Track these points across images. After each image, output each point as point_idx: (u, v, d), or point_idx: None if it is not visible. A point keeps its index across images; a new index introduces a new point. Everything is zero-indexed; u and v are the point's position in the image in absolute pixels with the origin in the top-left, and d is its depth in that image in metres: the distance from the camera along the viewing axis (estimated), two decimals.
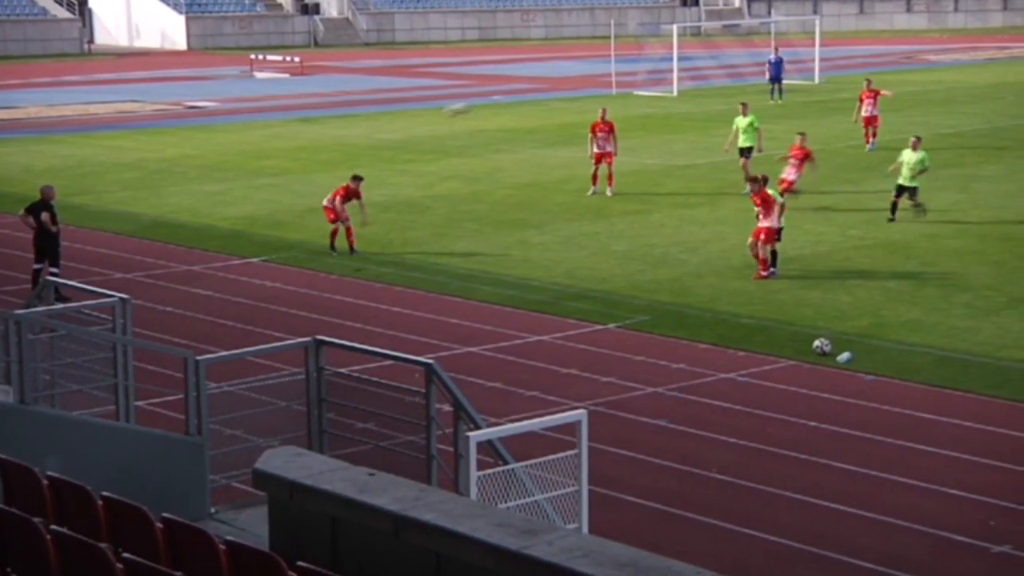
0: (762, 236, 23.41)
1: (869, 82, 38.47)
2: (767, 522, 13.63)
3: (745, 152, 32.30)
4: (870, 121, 37.81)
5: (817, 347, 19.17)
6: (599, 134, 31.81)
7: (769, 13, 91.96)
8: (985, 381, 17.86)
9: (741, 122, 32.64)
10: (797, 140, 29.32)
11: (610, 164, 31.66)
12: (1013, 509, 13.78)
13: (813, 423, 16.51)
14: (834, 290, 22.74)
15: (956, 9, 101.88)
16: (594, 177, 31.78)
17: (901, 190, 27.37)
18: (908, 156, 27.43)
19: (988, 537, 13.11)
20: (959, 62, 70.52)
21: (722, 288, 23.01)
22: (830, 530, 13.44)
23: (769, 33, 66.26)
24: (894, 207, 27.39)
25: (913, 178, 27.25)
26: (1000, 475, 14.70)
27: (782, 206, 23.82)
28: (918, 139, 27.89)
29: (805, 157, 28.74)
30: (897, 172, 27.56)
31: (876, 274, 23.77)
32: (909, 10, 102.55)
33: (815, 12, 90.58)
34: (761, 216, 23.53)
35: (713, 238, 26.93)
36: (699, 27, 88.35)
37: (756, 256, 23.59)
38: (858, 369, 18.53)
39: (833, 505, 14.03)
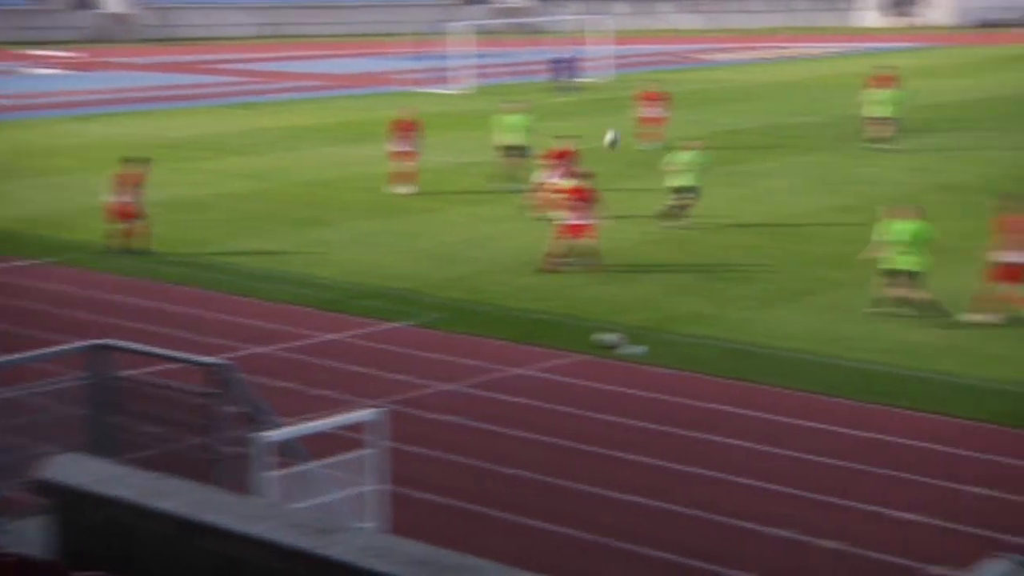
0: (576, 232, 23.75)
1: (650, 87, 39.20)
2: (561, 515, 13.79)
3: (514, 151, 32.51)
4: (650, 121, 38.49)
5: (608, 341, 19.48)
6: (401, 132, 31.90)
7: (556, 12, 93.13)
8: (768, 371, 18.40)
9: (510, 121, 32.83)
10: (556, 144, 28.64)
11: (410, 162, 31.75)
12: (797, 495, 14.22)
13: (605, 416, 16.76)
14: (624, 284, 23.15)
15: (731, 10, 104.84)
16: (397, 175, 31.78)
17: (679, 190, 27.76)
18: (684, 156, 27.96)
19: (774, 523, 13.50)
20: (737, 61, 72.55)
21: (514, 284, 23.21)
22: (626, 522, 13.67)
23: (556, 32, 67.12)
24: (673, 207, 27.83)
25: (687, 178, 27.63)
26: (786, 462, 15.16)
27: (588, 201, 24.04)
28: (693, 142, 28.53)
29: (563, 157, 27.89)
30: (673, 172, 27.99)
31: (664, 268, 24.28)
32: (689, 10, 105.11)
33: (600, 11, 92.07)
34: (573, 212, 23.78)
35: (504, 235, 27.13)
36: (485, 25, 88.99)
37: (559, 253, 23.86)
38: (648, 362, 18.89)
39: (628, 497, 14.27)
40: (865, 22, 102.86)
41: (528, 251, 25.50)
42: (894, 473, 14.68)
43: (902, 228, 20.97)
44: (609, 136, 20.84)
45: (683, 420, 16.57)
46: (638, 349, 19.22)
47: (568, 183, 25.00)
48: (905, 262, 20.65)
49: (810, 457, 15.24)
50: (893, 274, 20.83)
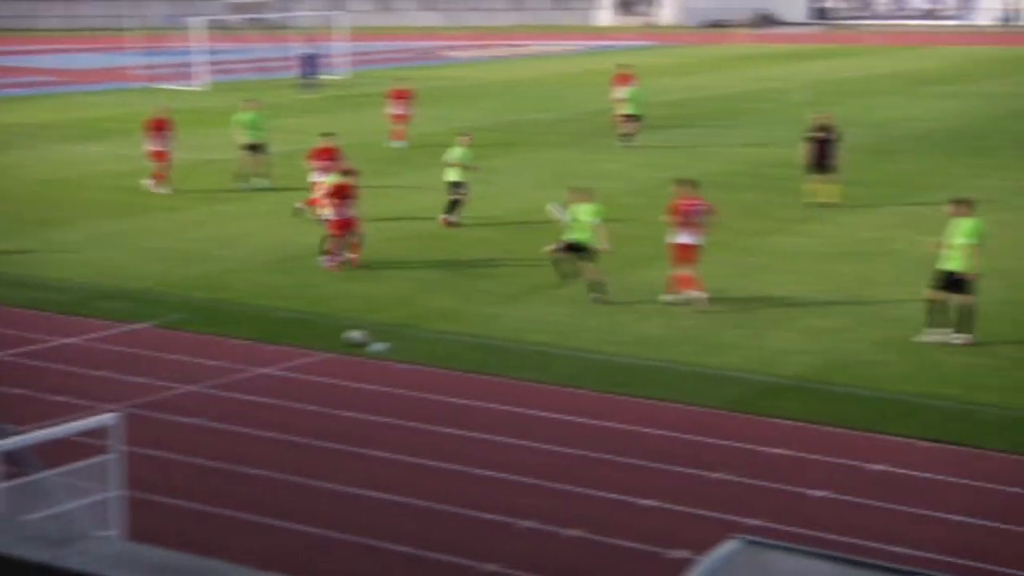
0: (339, 226, 23.86)
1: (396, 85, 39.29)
2: (308, 514, 13.70)
3: (254, 149, 32.20)
4: (399, 119, 38.52)
5: (353, 338, 19.43)
6: (155, 130, 31.26)
7: (294, 8, 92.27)
8: (512, 364, 18.66)
9: (245, 119, 32.47)
10: (322, 142, 28.40)
11: (164, 161, 31.10)
12: (537, 485, 14.47)
13: (350, 413, 16.72)
14: (369, 281, 23.13)
15: (469, 8, 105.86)
16: (155, 174, 31.22)
17: (453, 184, 27.88)
18: (457, 153, 28.16)
19: (515, 514, 13.71)
20: (476, 59, 73.29)
21: (258, 283, 22.93)
22: (371, 519, 13.66)
23: (295, 27, 66.51)
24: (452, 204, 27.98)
25: (457, 173, 27.82)
26: (525, 453, 15.40)
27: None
28: (465, 135, 28.76)
29: (326, 155, 27.67)
30: (454, 168, 28.11)
31: (409, 265, 24.35)
32: (426, 8, 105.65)
33: (338, 8, 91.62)
34: (336, 206, 23.85)
35: (247, 233, 26.77)
36: (224, 20, 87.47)
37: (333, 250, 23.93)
38: (393, 358, 18.92)
39: (372, 493, 14.27)
40: (599, 21, 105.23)
41: (274, 249, 25.26)
42: (637, 461, 15.07)
43: (584, 209, 21.99)
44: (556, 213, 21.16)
45: (427, 415, 16.65)
46: (383, 346, 19.23)
47: (332, 179, 24.88)
48: (581, 238, 21.79)
49: (553, 448, 15.52)
50: (571, 248, 21.95)
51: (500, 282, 23.09)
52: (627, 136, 38.43)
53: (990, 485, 14.22)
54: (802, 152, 29.47)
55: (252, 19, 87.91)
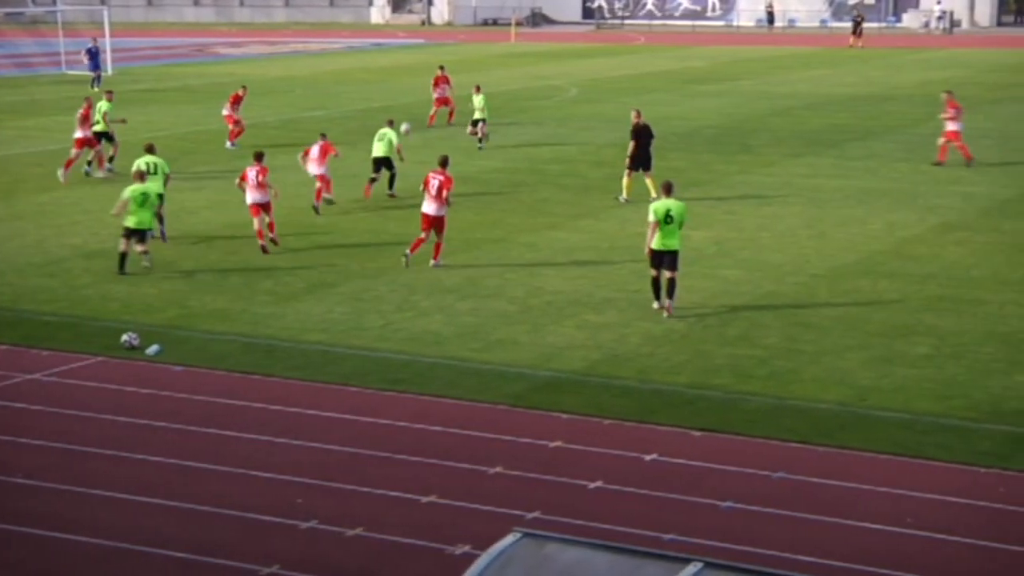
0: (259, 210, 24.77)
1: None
2: (80, 523, 13.33)
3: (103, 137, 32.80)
4: (232, 121, 37.81)
5: (125, 341, 18.99)
6: None
7: (55, 2, 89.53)
8: (288, 364, 18.49)
9: (103, 107, 32.80)
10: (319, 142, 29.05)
11: None
12: (317, 485, 14.37)
13: (124, 418, 16.33)
14: (140, 283, 22.61)
15: (242, 4, 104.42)
16: None
17: (380, 164, 29.55)
18: (387, 136, 29.51)
19: (295, 515, 13.59)
20: (249, 55, 72.32)
21: (23, 286, 22.21)
22: (142, 524, 13.36)
23: (56, 22, 64.45)
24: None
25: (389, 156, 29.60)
26: (304, 453, 15.28)
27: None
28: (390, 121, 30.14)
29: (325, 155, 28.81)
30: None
31: (181, 265, 23.89)
32: (197, 3, 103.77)
33: (102, 3, 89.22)
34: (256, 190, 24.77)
35: (10, 235, 25.91)
36: None
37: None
38: (167, 361, 18.55)
39: (143, 498, 13.96)
40: (372, 19, 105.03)
41: (37, 251, 24.48)
42: (417, 458, 15.10)
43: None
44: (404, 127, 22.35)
45: (203, 417, 16.38)
46: (152, 348, 18.83)
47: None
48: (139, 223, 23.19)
49: (333, 447, 15.43)
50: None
51: (276, 281, 22.85)
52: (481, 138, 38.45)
53: (760, 472, 14.70)
54: (627, 150, 29.60)
55: (9, 14, 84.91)
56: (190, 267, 23.76)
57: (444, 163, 23.80)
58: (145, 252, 23.36)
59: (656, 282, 20.78)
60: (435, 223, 23.44)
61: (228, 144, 37.54)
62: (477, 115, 38.62)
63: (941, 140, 34.61)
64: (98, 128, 32.61)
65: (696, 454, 15.20)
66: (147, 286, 22.41)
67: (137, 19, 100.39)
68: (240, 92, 38.33)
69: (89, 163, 32.61)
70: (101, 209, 28.06)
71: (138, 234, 23.23)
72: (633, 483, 14.38)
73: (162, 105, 46.20)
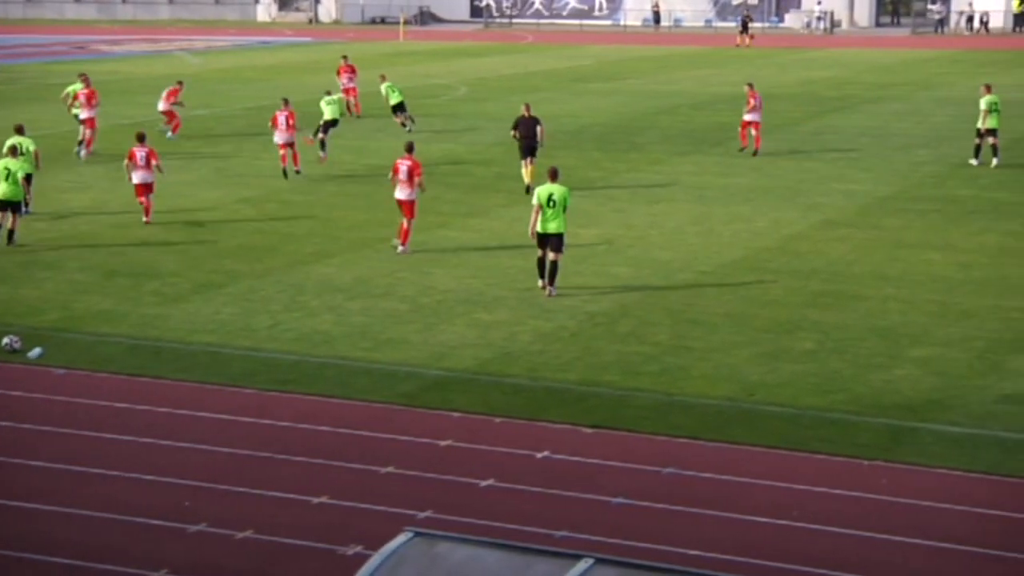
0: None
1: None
2: None
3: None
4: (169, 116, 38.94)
5: (6, 344, 18.63)
6: None
7: None
8: (175, 365, 18.27)
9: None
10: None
11: None
12: (206, 488, 14.23)
13: (5, 423, 16.01)
14: (21, 284, 22.20)
15: (124, 1, 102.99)
16: None
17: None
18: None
19: (184, 518, 13.44)
20: (132, 53, 71.29)
21: None
22: (25, 529, 13.13)
23: None
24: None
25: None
26: (192, 456, 15.11)
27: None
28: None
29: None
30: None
31: (64, 266, 23.50)
32: (78, 0, 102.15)
33: None
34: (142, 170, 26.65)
35: None
36: None
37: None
38: (50, 363, 18.23)
39: (26, 504, 13.71)
40: (259, 16, 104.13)
41: None
42: (307, 459, 15.01)
43: None
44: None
45: (88, 420, 16.13)
46: (35, 351, 18.49)
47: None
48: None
49: (221, 449, 15.29)
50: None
51: (165, 281, 22.56)
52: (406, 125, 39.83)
53: (647, 467, 14.84)
54: (515, 141, 30.81)
55: None
56: (74, 268, 23.37)
57: (410, 149, 24.85)
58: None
59: (541, 262, 21.69)
60: (406, 207, 24.33)
61: (169, 135, 38.37)
62: (394, 100, 39.58)
63: (740, 129, 36.99)
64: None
65: (587, 451, 15.30)
66: (30, 288, 22.00)
67: (15, 15, 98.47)
68: (176, 87, 39.19)
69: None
70: None
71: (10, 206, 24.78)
72: (525, 481, 14.44)
73: (42, 103, 45.37)
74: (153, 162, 26.83)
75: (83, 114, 35.66)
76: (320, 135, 34.21)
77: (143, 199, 26.90)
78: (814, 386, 17.45)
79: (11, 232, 24.88)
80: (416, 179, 24.28)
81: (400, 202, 24.47)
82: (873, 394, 17.16)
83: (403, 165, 24.32)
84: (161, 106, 39.07)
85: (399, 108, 40.26)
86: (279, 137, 32.07)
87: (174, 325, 20.09)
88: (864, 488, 14.29)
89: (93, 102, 35.80)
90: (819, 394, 17.15)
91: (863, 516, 13.61)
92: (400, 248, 24.35)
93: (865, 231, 26.75)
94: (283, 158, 31.94)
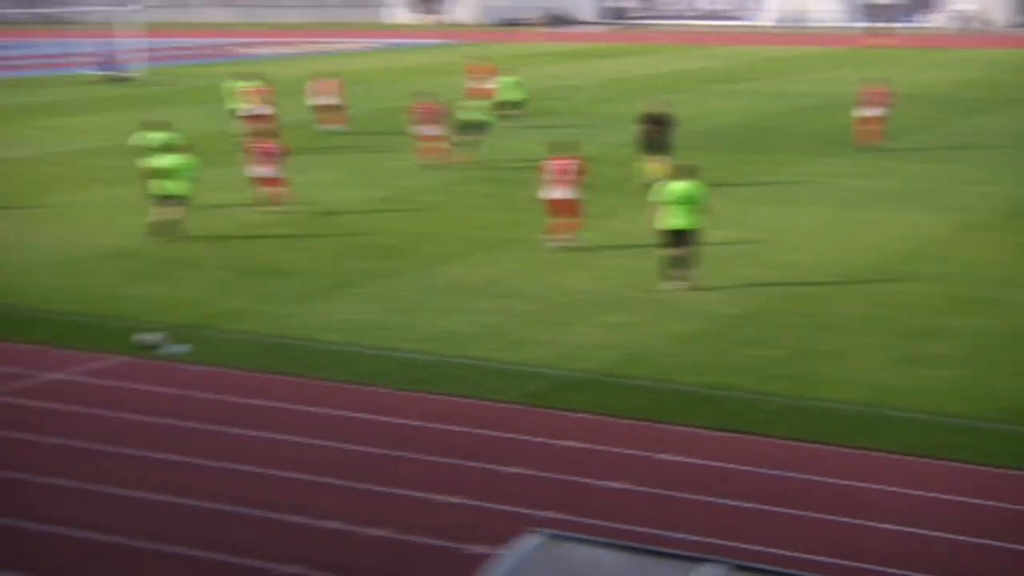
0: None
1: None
2: (100, 522, 13.41)
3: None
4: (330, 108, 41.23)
5: (146, 341, 19.09)
6: None
7: (80, 3, 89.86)
8: (308, 363, 18.49)
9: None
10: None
11: None
12: (338, 485, 14.44)
13: (145, 417, 16.40)
14: (161, 283, 22.75)
15: (267, 5, 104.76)
16: None
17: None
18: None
19: (316, 514, 13.65)
20: (273, 56, 72.47)
21: (47, 286, 22.40)
22: (158, 522, 13.45)
23: (82, 23, 64.79)
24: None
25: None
26: (325, 453, 15.36)
27: None
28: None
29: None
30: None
31: (202, 265, 24.02)
32: (222, 4, 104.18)
33: (131, 3, 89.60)
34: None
35: (31, 235, 26.06)
36: (6, 14, 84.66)
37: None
38: (188, 360, 18.64)
39: (169, 498, 14.04)
40: (394, 19, 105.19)
41: (60, 251, 24.64)
42: (435, 458, 15.17)
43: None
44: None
45: (224, 417, 16.48)
46: (180, 348, 18.94)
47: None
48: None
49: (352, 447, 15.52)
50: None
51: (297, 281, 22.96)
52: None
53: (772, 472, 14.74)
54: (638, 137, 31.79)
55: (35, 14, 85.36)
56: (212, 266, 23.88)
57: (564, 148, 25.36)
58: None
59: (669, 260, 21.94)
60: (565, 206, 24.81)
61: (327, 128, 40.74)
62: (512, 96, 40.66)
63: (863, 125, 37.20)
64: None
65: (711, 454, 15.24)
66: (168, 285, 22.54)
67: (162, 19, 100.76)
68: (331, 82, 41.40)
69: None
70: (126, 210, 28.25)
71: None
72: (648, 483, 14.43)
73: (184, 105, 46.39)
74: (276, 155, 28.20)
75: (256, 111, 37.58)
76: (474, 136, 34.97)
77: (268, 190, 28.17)
78: (951, 392, 17.16)
79: (170, 224, 25.67)
80: (578, 176, 24.79)
81: (555, 202, 24.84)
82: (1015, 401, 16.81)
83: (560, 164, 24.86)
84: (317, 100, 41.06)
85: (514, 105, 41.22)
86: (423, 131, 33.67)
87: (307, 323, 20.43)
88: (999, 498, 14.02)
89: (267, 99, 38.21)
90: (957, 400, 16.86)
91: (999, 527, 13.36)
92: (563, 241, 24.71)
93: (1003, 234, 26.21)
94: (426, 151, 33.50)
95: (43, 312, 20.84)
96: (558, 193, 24.81)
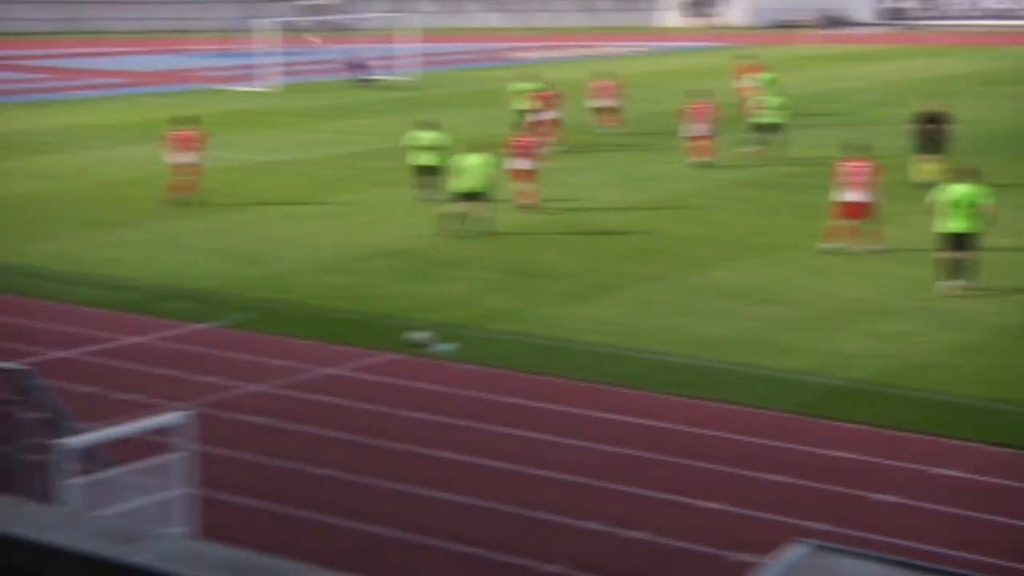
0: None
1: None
2: (372, 514, 13.77)
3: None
4: (606, 111, 41.97)
5: (416, 339, 19.49)
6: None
7: (363, 10, 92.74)
8: (571, 365, 18.59)
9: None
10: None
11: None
12: (599, 486, 14.44)
13: (413, 414, 16.78)
14: (431, 282, 23.20)
15: (538, 9, 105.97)
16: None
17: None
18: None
19: (576, 514, 13.69)
20: (542, 60, 73.22)
21: (322, 284, 23.08)
22: (435, 518, 13.71)
23: (362, 29, 66.86)
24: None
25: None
26: (587, 454, 15.37)
27: None
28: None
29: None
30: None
31: (470, 265, 24.40)
32: (495, 9, 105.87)
33: (406, 10, 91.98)
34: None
35: (311, 234, 26.95)
36: (291, 22, 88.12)
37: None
38: (455, 359, 18.95)
39: (431, 493, 14.31)
40: (666, 22, 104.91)
41: (334, 250, 25.41)
42: (698, 463, 15.03)
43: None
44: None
45: (488, 415, 16.69)
46: (447, 346, 19.28)
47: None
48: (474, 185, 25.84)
49: (614, 449, 15.50)
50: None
51: (562, 282, 23.09)
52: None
53: None
54: (911, 136, 31.73)
55: (319, 21, 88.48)
56: (481, 266, 24.24)
57: (860, 148, 25.30)
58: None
59: (947, 264, 21.37)
60: (859, 209, 24.48)
61: (610, 127, 41.37)
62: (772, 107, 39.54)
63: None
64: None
65: (989, 470, 14.62)
66: (439, 285, 22.99)
67: (438, 24, 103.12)
68: (610, 83, 42.13)
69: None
70: (399, 210, 28.97)
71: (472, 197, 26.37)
72: (921, 497, 13.95)
73: (459, 108, 47.33)
74: (534, 151, 28.77)
75: (543, 115, 38.32)
76: (767, 137, 35.27)
77: (524, 185, 28.62)
78: None
79: (462, 217, 26.35)
80: (874, 180, 24.50)
81: (849, 204, 24.49)
82: None
83: (855, 167, 24.61)
84: (596, 103, 41.71)
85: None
86: (694, 130, 34.19)
87: (572, 325, 20.52)
88: None
89: (552, 103, 38.98)
90: None
91: None
92: (867, 248, 24.32)
93: None
94: (696, 151, 33.82)
95: (316, 309, 21.53)
96: (853, 196, 24.49)
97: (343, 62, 55.52)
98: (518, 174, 28.71)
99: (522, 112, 39.39)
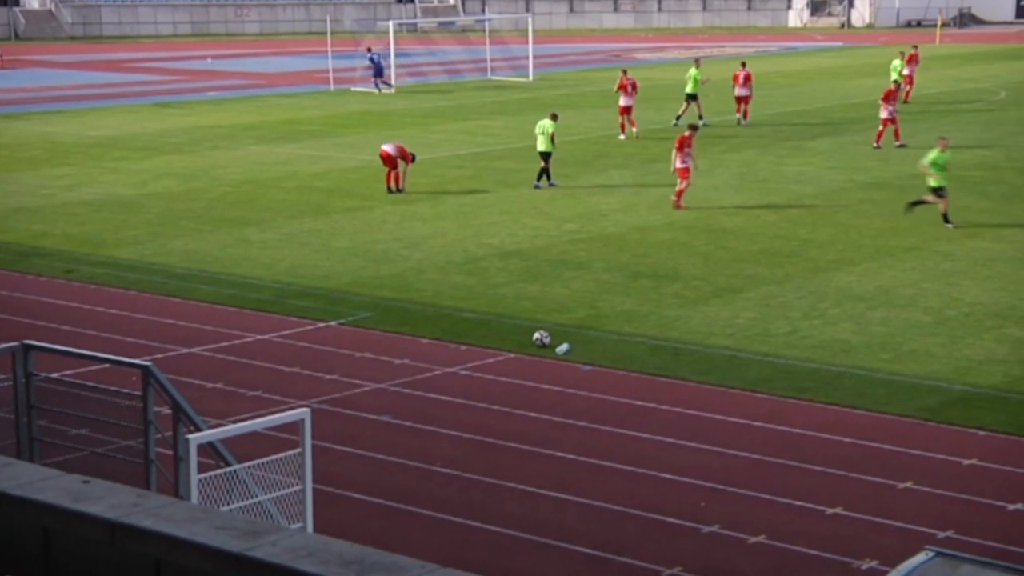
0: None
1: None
2: (490, 513, 13.81)
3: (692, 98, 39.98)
4: (741, 100, 43.58)
5: (536, 339, 19.50)
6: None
7: (483, 11, 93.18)
8: (694, 367, 18.50)
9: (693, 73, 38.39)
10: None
11: None
12: (721, 490, 14.32)
13: (533, 414, 16.79)
14: (552, 283, 23.19)
15: (660, 9, 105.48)
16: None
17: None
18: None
19: (698, 518, 13.59)
20: (665, 60, 72.92)
21: (444, 283, 23.19)
22: (549, 518, 13.70)
23: (484, 31, 67.17)
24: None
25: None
26: (709, 458, 15.27)
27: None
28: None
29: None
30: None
31: (592, 266, 24.35)
32: (616, 10, 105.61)
33: (527, 10, 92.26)
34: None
35: (434, 234, 27.10)
36: (415, 24, 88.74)
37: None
38: (576, 360, 18.93)
39: (552, 493, 14.31)
40: (790, 22, 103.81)
41: (458, 250, 25.51)
42: (823, 468, 14.82)
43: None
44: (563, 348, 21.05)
45: (610, 417, 16.62)
46: (563, 347, 19.25)
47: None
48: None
49: (737, 452, 15.35)
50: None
51: (686, 284, 22.92)
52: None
53: None
54: None
55: (442, 23, 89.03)
56: (600, 268, 24.17)
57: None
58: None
59: None
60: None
61: (743, 121, 42.90)
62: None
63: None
64: (689, 90, 42.29)
65: None
66: (559, 286, 22.96)
67: (559, 25, 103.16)
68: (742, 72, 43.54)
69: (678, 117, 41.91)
70: (519, 210, 29.02)
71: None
72: None
73: (578, 109, 47.29)
74: (687, 148, 29.17)
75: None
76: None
77: (683, 182, 29.29)
78: None
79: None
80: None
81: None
82: None
83: None
84: (739, 91, 43.24)
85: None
86: (886, 113, 36.59)
87: (693, 327, 20.36)
88: None
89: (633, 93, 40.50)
90: None
91: None
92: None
93: None
94: (883, 135, 36.57)
95: (439, 308, 21.63)
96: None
97: (368, 68, 55.21)
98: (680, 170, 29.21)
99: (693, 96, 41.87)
